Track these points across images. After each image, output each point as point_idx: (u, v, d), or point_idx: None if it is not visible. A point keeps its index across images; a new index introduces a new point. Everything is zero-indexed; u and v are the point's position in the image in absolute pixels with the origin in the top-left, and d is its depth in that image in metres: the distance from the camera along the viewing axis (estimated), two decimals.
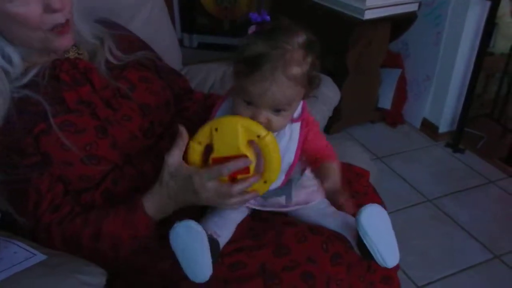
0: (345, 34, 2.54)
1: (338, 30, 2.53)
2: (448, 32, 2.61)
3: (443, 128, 2.81)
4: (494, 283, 1.93)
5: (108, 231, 1.05)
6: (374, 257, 1.01)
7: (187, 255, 0.94)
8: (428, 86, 2.79)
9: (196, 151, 1.00)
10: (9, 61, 1.06)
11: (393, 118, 2.95)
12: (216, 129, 0.96)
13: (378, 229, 1.00)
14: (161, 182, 1.04)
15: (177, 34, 2.82)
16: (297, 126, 1.08)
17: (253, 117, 0.99)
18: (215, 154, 0.98)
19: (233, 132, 0.96)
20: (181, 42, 3.44)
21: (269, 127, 1.00)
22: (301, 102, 1.08)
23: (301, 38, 0.98)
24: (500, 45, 2.71)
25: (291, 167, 1.09)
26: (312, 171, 1.14)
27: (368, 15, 2.40)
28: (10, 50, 1.06)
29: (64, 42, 1.09)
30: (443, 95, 2.73)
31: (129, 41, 1.31)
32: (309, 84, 1.00)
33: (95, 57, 1.20)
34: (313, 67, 0.99)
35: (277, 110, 0.99)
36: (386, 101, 2.94)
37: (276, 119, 1.00)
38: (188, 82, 1.46)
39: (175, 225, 0.94)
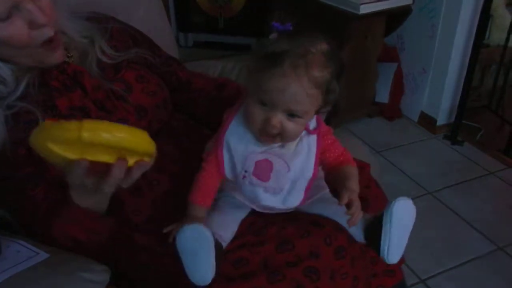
0: (340, 29, 2.53)
1: (333, 25, 2.53)
2: (443, 24, 2.61)
3: (441, 120, 2.81)
4: (499, 274, 1.93)
5: (58, 233, 1.03)
6: (381, 246, 1.00)
7: (192, 259, 0.93)
8: (425, 79, 2.79)
9: None
10: (3, 81, 1.04)
11: (391, 112, 2.95)
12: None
13: (401, 224, 0.98)
14: None
15: (173, 33, 2.81)
16: (314, 138, 1.06)
17: (266, 120, 0.97)
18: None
19: (48, 151, 0.84)
20: (176, 41, 3.43)
21: (282, 133, 0.98)
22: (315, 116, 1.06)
23: (324, 46, 0.96)
24: (496, 36, 2.72)
25: (310, 181, 1.07)
26: (331, 176, 1.13)
27: (364, 9, 2.40)
28: (1, 69, 1.03)
29: (57, 57, 1.08)
30: (439, 88, 2.73)
31: (123, 35, 1.28)
32: (327, 94, 0.98)
33: (86, 57, 1.17)
34: (332, 78, 0.97)
35: (291, 115, 0.96)
36: (383, 95, 2.94)
37: (289, 125, 0.97)
38: (186, 71, 1.43)
39: (184, 227, 0.92)
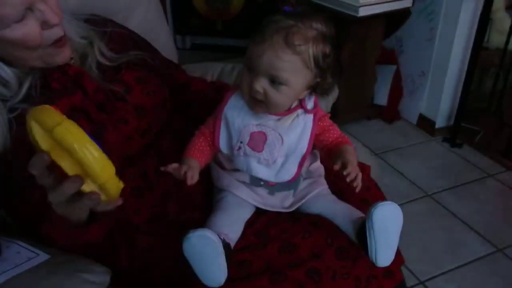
0: (339, 31, 2.52)
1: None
2: (442, 27, 2.61)
3: (439, 123, 2.82)
4: (498, 276, 1.93)
5: (46, 237, 1.01)
6: (369, 251, 1.01)
7: (202, 264, 0.93)
8: (424, 82, 2.79)
9: None
10: (6, 84, 1.04)
11: (390, 114, 2.95)
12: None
13: (385, 229, 0.98)
14: None
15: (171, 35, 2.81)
16: (310, 117, 1.08)
17: (250, 84, 1.00)
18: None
19: (29, 129, 0.80)
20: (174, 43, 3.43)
21: (266, 100, 1.01)
22: (313, 96, 1.09)
23: (320, 25, 0.99)
24: (495, 40, 2.72)
25: (303, 158, 1.09)
26: (329, 154, 1.13)
27: (362, 12, 2.40)
28: (5, 73, 1.03)
29: (64, 55, 1.08)
30: (438, 90, 2.74)
31: (122, 38, 1.29)
32: (319, 72, 1.01)
33: (86, 59, 1.17)
34: (325, 57, 1.00)
35: (274, 81, 0.98)
36: (382, 98, 2.94)
37: (272, 92, 0.99)
38: (184, 74, 1.45)
39: (190, 235, 0.92)
